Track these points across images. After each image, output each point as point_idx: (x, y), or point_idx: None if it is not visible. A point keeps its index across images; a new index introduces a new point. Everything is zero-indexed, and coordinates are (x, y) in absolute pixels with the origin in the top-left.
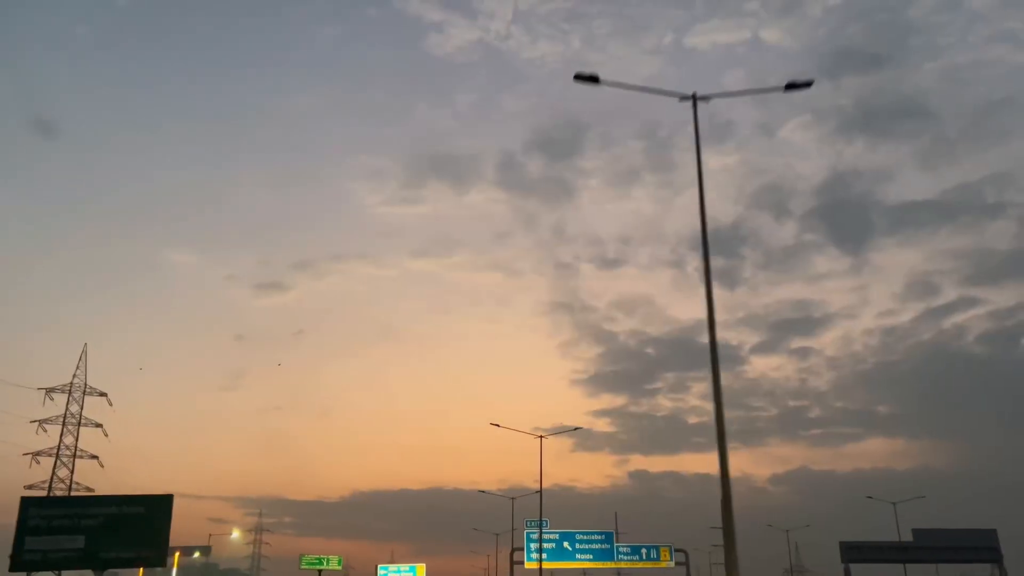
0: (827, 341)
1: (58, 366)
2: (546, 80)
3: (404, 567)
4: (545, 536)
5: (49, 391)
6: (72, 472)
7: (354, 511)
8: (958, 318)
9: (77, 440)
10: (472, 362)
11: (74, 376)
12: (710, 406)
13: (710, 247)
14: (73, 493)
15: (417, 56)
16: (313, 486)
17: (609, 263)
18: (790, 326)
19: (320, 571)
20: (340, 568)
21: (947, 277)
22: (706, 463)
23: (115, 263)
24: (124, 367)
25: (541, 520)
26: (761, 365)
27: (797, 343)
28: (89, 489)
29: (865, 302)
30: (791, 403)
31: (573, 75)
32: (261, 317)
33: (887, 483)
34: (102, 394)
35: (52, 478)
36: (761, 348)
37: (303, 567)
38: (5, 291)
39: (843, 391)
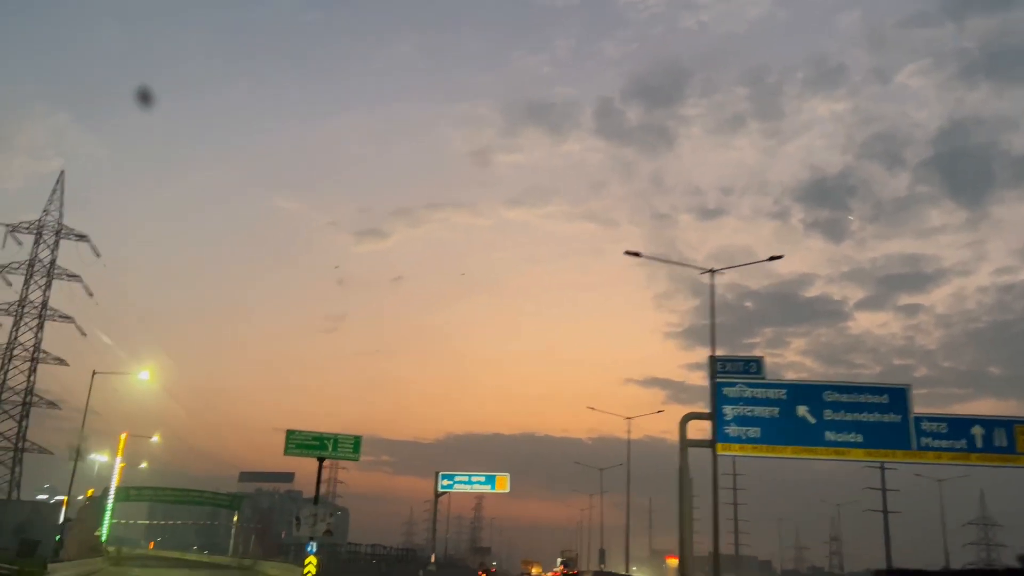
0: (938, 298)
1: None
2: (647, 24)
3: (478, 475)
4: (758, 392)
5: (12, 229)
6: (39, 337)
7: (447, 453)
8: None
9: (48, 294)
10: (564, 312)
11: (45, 212)
12: (809, 362)
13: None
14: (40, 364)
15: (515, 1)
16: (409, 427)
17: (709, 214)
18: (898, 281)
19: None
20: None
21: None
22: None
23: (230, 208)
24: (235, 307)
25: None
26: (865, 321)
27: (905, 299)
28: (60, 361)
29: (981, 258)
30: (896, 361)
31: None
32: (361, 263)
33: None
34: (81, 236)
35: (11, 342)
36: (866, 304)
37: None
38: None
39: (953, 350)
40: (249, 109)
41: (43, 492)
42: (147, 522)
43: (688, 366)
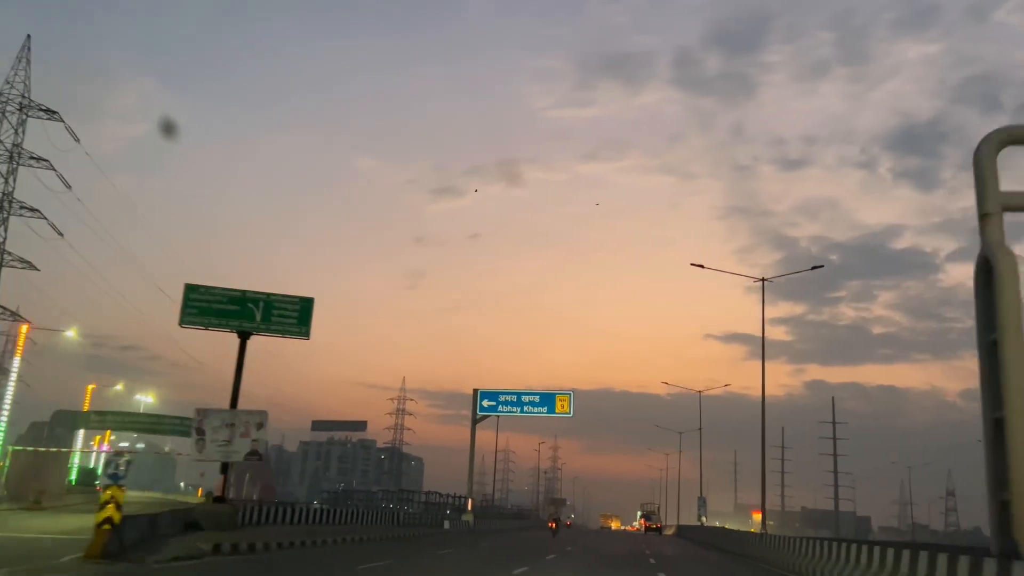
0: None
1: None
2: None
3: (530, 393)
4: None
5: None
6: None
7: None
8: None
9: (13, 186)
10: (643, 266)
11: (8, 83)
12: (898, 316)
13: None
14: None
15: None
16: (488, 381)
17: (791, 164)
18: None
19: None
20: None
21: None
22: (892, 375)
23: (311, 168)
24: (318, 265)
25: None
26: (958, 273)
27: None
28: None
29: None
30: None
31: None
32: (439, 221)
33: None
34: (51, 112)
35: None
36: (959, 255)
37: None
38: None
39: None
40: (327, 69)
41: None
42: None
43: (770, 321)
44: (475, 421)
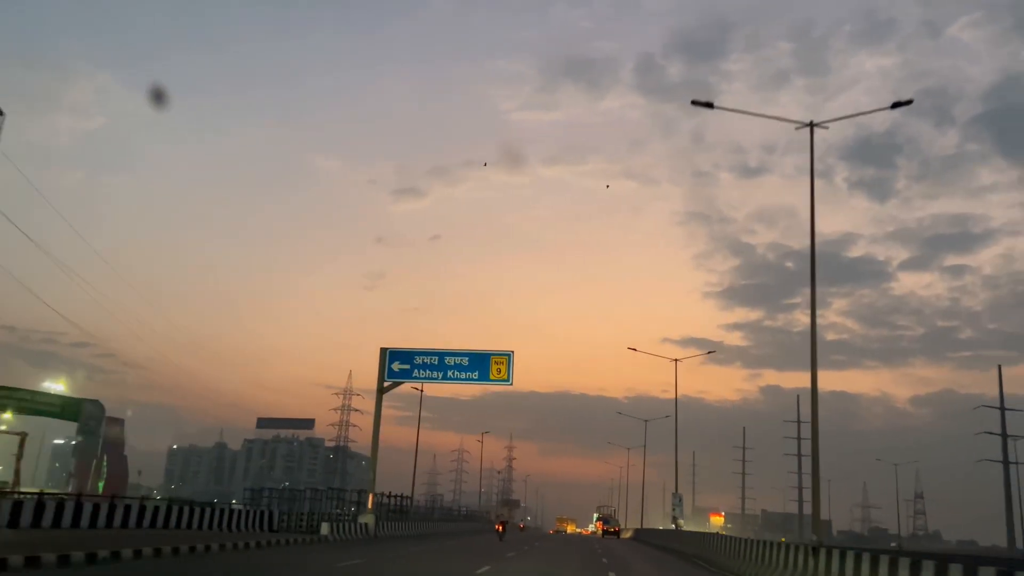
0: (986, 259)
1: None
2: None
3: (456, 354)
4: None
5: None
6: None
7: (484, 409)
8: None
9: None
10: (602, 271)
11: None
12: (851, 323)
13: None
14: None
15: None
16: (448, 384)
17: (750, 172)
18: (945, 242)
19: None
20: None
21: None
22: (844, 381)
23: (269, 165)
24: (273, 264)
25: None
26: (909, 282)
27: (951, 260)
28: None
29: None
30: (940, 323)
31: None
32: (399, 221)
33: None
34: None
35: None
36: (911, 264)
37: None
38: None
39: (999, 312)
40: (288, 67)
41: None
42: None
43: (726, 326)
44: (382, 389)
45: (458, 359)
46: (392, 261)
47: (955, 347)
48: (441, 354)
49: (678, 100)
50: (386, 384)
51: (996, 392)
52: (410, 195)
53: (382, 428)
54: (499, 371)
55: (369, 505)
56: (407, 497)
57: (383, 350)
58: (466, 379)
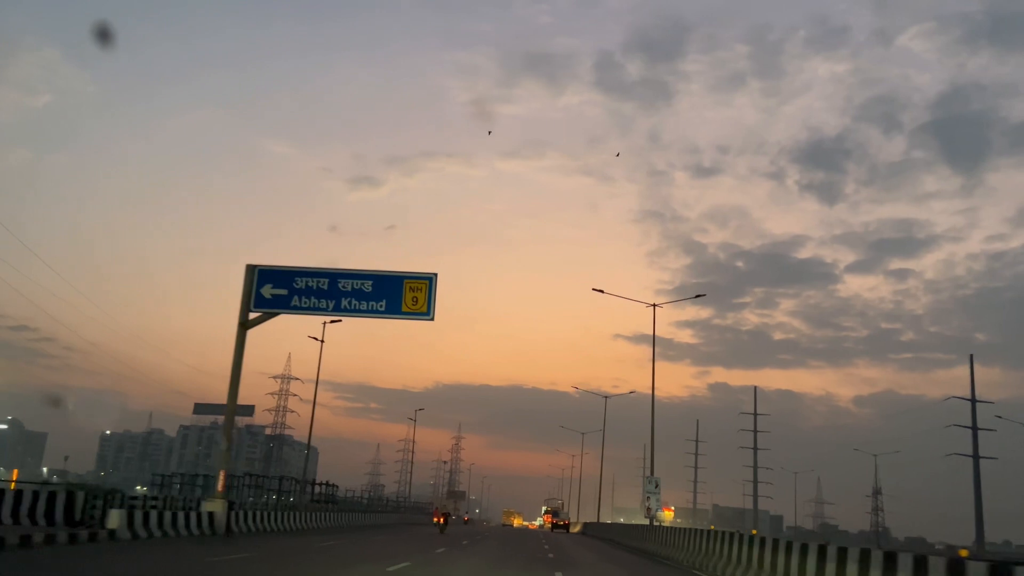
0: (928, 263)
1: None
2: None
3: (353, 276)
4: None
5: None
6: None
7: (436, 402)
8: None
9: None
10: (557, 266)
11: None
12: (798, 323)
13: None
14: None
15: None
16: (399, 376)
17: (704, 172)
18: (890, 246)
19: None
20: None
21: None
22: (790, 379)
23: (219, 149)
24: (226, 246)
25: None
26: (855, 284)
27: (896, 264)
28: None
29: (973, 225)
30: (883, 325)
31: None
32: (355, 210)
33: (980, 412)
34: None
35: None
36: (857, 267)
37: None
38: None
39: (940, 316)
40: (241, 51)
41: None
42: None
43: (677, 324)
44: (246, 323)
45: (358, 283)
46: (346, 250)
47: (897, 349)
48: (333, 276)
49: (636, 99)
50: (253, 315)
51: (936, 393)
52: (366, 184)
53: (327, 418)
54: (415, 301)
55: (219, 486)
56: (333, 486)
57: (250, 268)
58: (369, 311)
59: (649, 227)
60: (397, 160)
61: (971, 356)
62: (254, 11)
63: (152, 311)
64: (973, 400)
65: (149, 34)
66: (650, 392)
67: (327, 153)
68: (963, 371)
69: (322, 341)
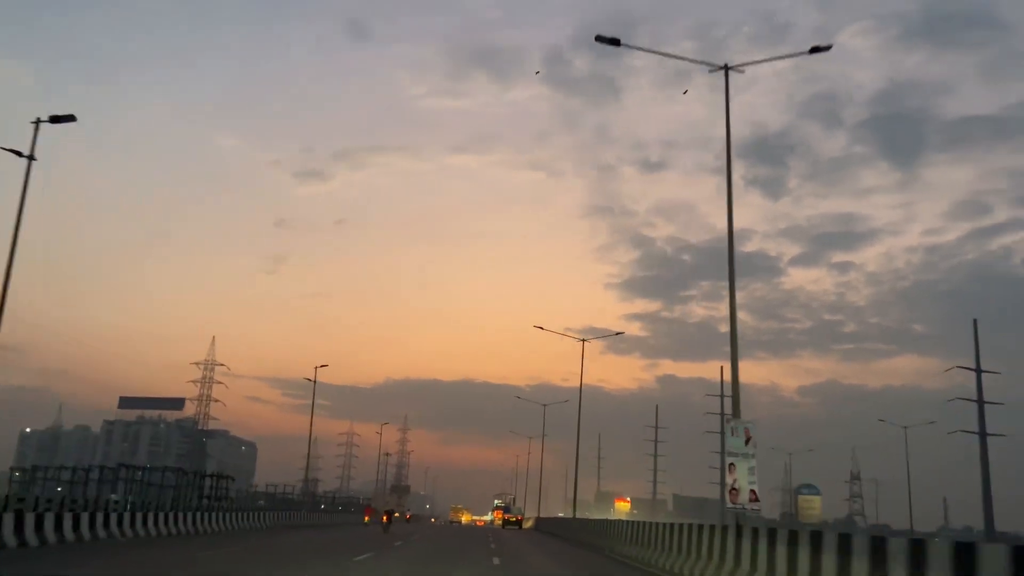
0: (869, 256)
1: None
2: None
3: None
4: None
5: None
6: None
7: (385, 398)
8: (1007, 239)
9: None
10: (507, 260)
11: None
12: (743, 315)
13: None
14: None
15: None
16: (348, 372)
17: (651, 167)
18: (832, 239)
19: None
20: None
21: (999, 197)
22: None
23: (166, 142)
24: (167, 243)
25: None
26: (799, 277)
27: (838, 257)
28: None
29: (911, 219)
30: (826, 317)
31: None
32: (303, 205)
33: (919, 402)
34: None
35: None
36: (801, 260)
37: None
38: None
39: (880, 307)
40: (188, 42)
41: None
42: None
43: (626, 316)
44: None
45: None
46: (294, 245)
47: (839, 340)
48: None
49: (584, 94)
50: None
51: (876, 383)
52: (314, 178)
53: (272, 415)
54: None
55: None
56: (228, 477)
57: None
58: None
59: (597, 221)
60: (345, 153)
61: (975, 321)
62: (199, 3)
63: (98, 306)
64: (978, 370)
65: (94, 27)
66: (600, 385)
67: (276, 146)
68: (903, 362)
69: (32, 158)
